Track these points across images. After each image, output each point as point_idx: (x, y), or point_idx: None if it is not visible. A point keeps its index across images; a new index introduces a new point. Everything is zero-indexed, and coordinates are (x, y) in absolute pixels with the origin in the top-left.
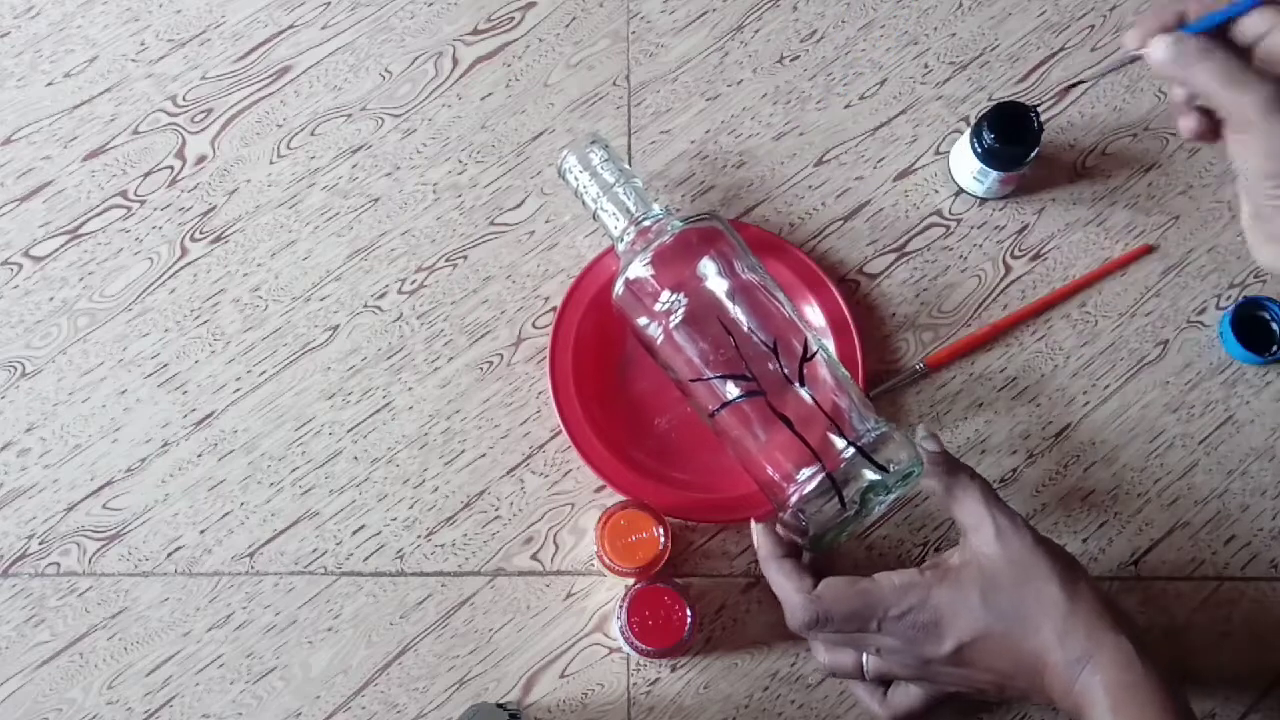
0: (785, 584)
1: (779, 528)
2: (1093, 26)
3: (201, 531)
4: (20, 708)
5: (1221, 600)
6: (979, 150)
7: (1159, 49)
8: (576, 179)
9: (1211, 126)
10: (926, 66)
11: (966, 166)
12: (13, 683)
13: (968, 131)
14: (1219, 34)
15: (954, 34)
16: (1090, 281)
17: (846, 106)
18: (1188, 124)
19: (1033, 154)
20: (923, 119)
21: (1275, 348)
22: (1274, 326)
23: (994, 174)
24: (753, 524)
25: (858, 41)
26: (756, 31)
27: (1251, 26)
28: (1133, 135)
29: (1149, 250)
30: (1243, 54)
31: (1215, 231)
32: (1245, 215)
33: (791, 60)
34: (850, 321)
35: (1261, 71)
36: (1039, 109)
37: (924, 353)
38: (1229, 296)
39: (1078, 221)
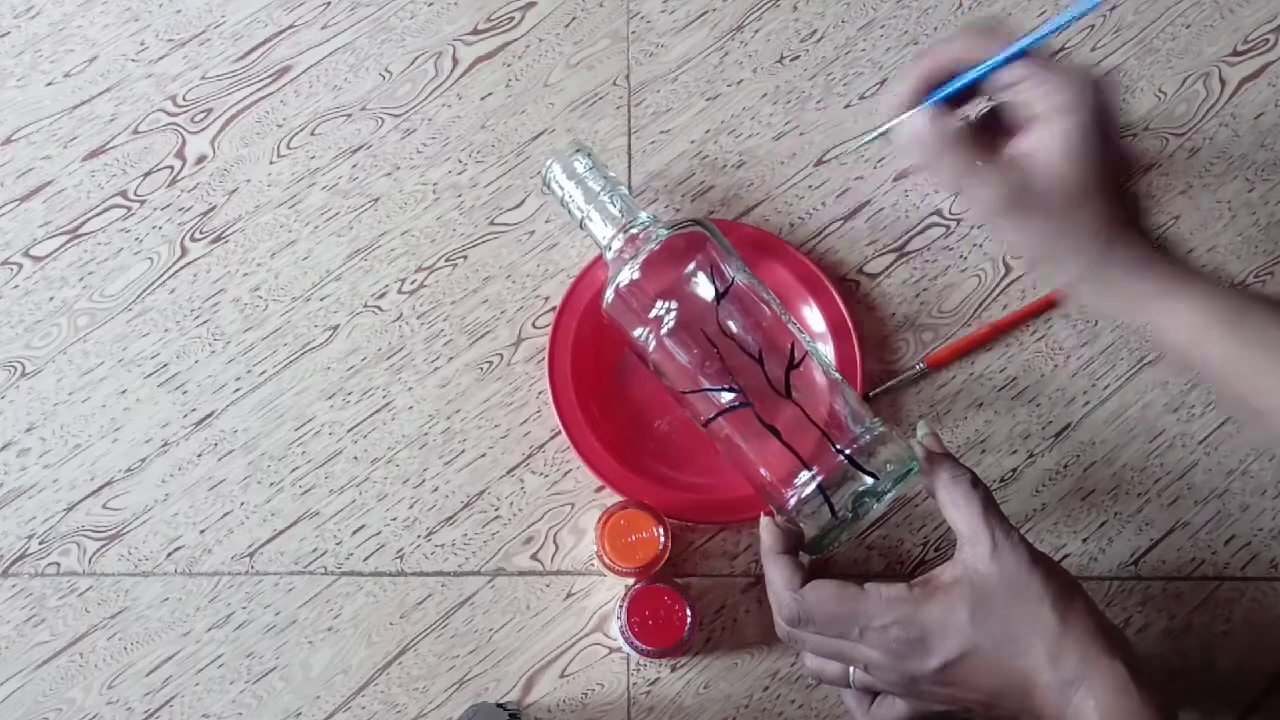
0: (777, 579)
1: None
2: (1093, 26)
3: (201, 531)
4: (20, 708)
5: (1221, 600)
6: None
7: (904, 134)
8: (562, 188)
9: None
10: None
11: None
12: (13, 683)
13: None
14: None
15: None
16: None
17: (846, 106)
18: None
19: None
20: None
21: None
22: None
23: None
24: (762, 517)
25: (858, 41)
26: (756, 31)
27: (1004, 76)
28: (1132, 135)
29: None
30: (995, 116)
31: (1215, 231)
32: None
33: (791, 60)
34: (850, 322)
35: (993, 168)
36: None
37: (924, 352)
38: None
39: None
